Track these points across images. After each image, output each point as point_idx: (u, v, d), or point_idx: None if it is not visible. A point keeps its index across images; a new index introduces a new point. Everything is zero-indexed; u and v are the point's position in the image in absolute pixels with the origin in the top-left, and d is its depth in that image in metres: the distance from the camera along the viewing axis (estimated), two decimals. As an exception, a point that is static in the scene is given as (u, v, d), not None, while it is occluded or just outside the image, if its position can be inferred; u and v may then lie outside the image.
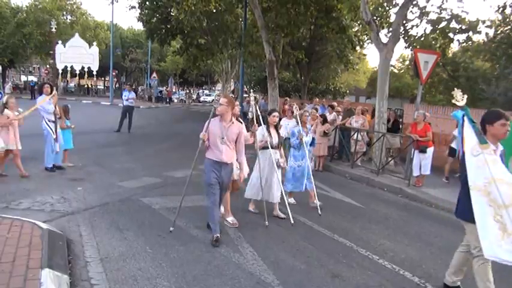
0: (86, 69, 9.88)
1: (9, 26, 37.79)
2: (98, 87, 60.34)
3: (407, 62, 35.01)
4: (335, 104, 13.34)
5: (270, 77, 16.64)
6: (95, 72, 9.89)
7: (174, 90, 51.28)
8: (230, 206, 5.72)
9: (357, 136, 10.39)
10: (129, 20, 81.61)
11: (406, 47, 11.71)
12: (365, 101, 36.20)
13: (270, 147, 5.82)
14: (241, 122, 5.45)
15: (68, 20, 40.65)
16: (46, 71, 46.23)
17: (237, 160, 5.14)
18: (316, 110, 11.06)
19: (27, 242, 4.07)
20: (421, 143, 8.56)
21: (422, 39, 10.61)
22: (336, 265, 4.43)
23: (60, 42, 8.64)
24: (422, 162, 8.64)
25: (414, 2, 10.21)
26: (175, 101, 45.23)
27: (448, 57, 19.65)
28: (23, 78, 58.42)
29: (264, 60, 17.87)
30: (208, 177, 4.84)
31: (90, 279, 3.74)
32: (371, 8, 11.13)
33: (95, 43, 8.73)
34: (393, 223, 6.29)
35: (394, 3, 11.07)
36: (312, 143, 7.11)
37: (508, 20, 16.86)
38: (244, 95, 22.25)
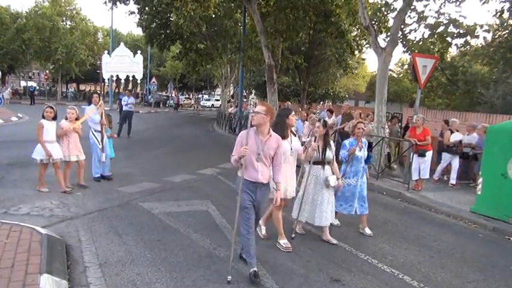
0: (130, 78, 9.96)
1: (9, 31, 37.89)
2: (98, 92, 60.52)
3: (406, 66, 35.10)
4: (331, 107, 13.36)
5: (269, 82, 16.69)
6: (139, 81, 9.99)
7: (173, 95, 51.33)
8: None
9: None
10: (129, 25, 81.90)
11: (404, 52, 11.75)
12: (364, 105, 36.28)
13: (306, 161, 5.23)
14: (294, 135, 5.01)
15: (68, 26, 40.73)
16: (46, 77, 46.27)
17: (273, 180, 4.34)
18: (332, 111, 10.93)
19: (26, 247, 4.06)
20: (420, 147, 8.57)
21: (420, 43, 10.66)
22: (335, 269, 4.42)
23: (106, 52, 8.72)
24: (421, 166, 8.66)
25: (412, 7, 10.25)
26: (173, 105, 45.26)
27: (446, 62, 19.73)
28: (23, 83, 58.46)
29: (263, 65, 17.94)
30: (243, 200, 4.16)
31: (89, 285, 3.73)
32: (369, 13, 11.18)
33: (139, 51, 8.80)
34: (392, 227, 6.29)
35: (392, 8, 11.11)
36: (368, 160, 6.21)
37: (505, 24, 16.93)
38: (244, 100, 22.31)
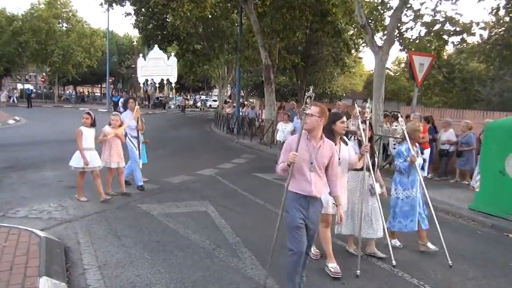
0: (165, 81, 9.79)
1: (5, 34, 37.76)
2: (96, 94, 60.50)
3: (402, 65, 35.19)
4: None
5: (266, 82, 16.69)
6: (173, 84, 9.84)
7: (171, 95, 51.23)
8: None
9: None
10: (125, 27, 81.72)
11: (401, 50, 11.81)
12: (361, 104, 36.32)
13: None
14: (345, 143, 4.47)
15: (64, 28, 40.64)
16: (42, 79, 46.15)
17: (330, 194, 3.81)
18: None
19: (24, 250, 4.05)
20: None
21: (417, 41, 10.68)
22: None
23: (141, 55, 8.60)
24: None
25: (408, 5, 10.28)
26: (172, 107, 45.14)
27: (443, 60, 19.77)
28: (19, 86, 58.32)
29: (260, 65, 17.94)
30: (293, 218, 3.56)
31: (89, 287, 3.72)
32: (366, 12, 11.19)
33: (172, 53, 8.69)
34: (391, 225, 6.28)
35: (388, 6, 11.14)
36: (423, 167, 5.57)
37: (501, 21, 16.97)
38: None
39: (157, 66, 7.29)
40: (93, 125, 6.52)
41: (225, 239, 5.11)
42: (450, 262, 4.62)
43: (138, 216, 5.88)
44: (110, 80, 40.10)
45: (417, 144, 5.21)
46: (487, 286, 4.27)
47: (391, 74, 35.97)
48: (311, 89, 3.49)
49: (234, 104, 22.66)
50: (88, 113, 6.57)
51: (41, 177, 7.93)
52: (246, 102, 27.74)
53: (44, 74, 44.53)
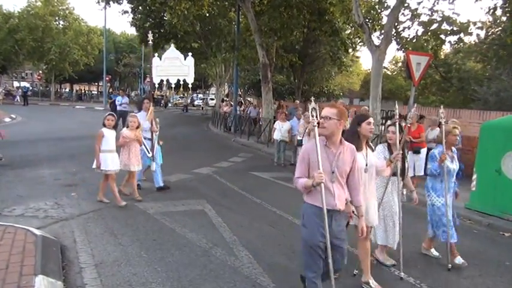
0: (181, 82, 9.74)
1: (1, 32, 37.59)
2: (93, 92, 60.35)
3: (400, 64, 35.27)
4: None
5: (263, 81, 16.68)
6: (190, 85, 9.74)
7: (168, 94, 51.12)
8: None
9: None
10: (122, 25, 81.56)
11: (398, 49, 11.78)
12: (359, 103, 36.39)
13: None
14: (371, 149, 4.04)
15: (61, 26, 40.49)
16: (39, 77, 46.00)
17: (351, 203, 3.40)
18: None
19: (20, 249, 4.03)
20: (415, 144, 8.60)
21: (414, 41, 10.69)
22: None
23: (156, 55, 8.46)
24: (416, 163, 8.69)
25: (406, 5, 10.29)
26: (170, 105, 45.09)
27: (440, 59, 19.82)
28: (16, 84, 58.10)
29: (257, 64, 17.91)
30: (312, 236, 3.16)
31: (85, 285, 3.71)
32: (363, 11, 11.21)
33: (190, 53, 8.60)
34: (388, 224, 6.30)
35: (385, 5, 11.15)
36: (459, 173, 4.92)
37: (498, 21, 17.03)
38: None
39: (174, 66, 7.15)
40: (115, 127, 6.36)
41: (221, 238, 5.11)
42: (450, 265, 4.57)
43: (135, 215, 5.86)
44: (107, 78, 39.96)
45: (454, 149, 4.84)
46: (483, 285, 4.29)
47: (388, 73, 36.04)
48: (312, 102, 3.24)
49: (231, 103, 22.65)
50: (111, 115, 6.40)
51: (37, 176, 7.90)
52: (242, 101, 27.69)
53: (40, 71, 44.36)
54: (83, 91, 56.96)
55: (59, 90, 53.23)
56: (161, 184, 7.37)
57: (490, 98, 17.27)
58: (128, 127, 6.55)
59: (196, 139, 16.93)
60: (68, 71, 40.29)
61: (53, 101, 40.12)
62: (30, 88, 45.95)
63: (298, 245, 4.99)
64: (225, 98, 28.05)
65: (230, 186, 8.22)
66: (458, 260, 4.65)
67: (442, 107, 4.73)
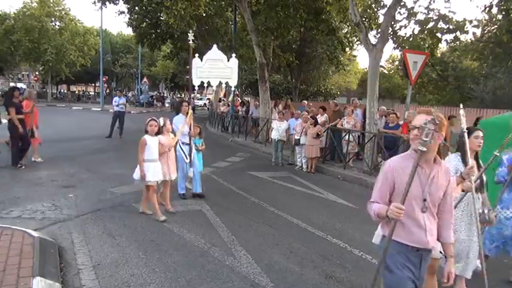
0: (224, 85, 9.48)
1: (-3, 33, 37.51)
2: (90, 93, 60.21)
3: (396, 63, 35.32)
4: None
5: (261, 80, 16.68)
6: (233, 88, 9.52)
7: (165, 94, 51.10)
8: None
9: (349, 137, 10.45)
10: (119, 25, 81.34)
11: (395, 48, 11.80)
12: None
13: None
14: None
15: (57, 27, 40.36)
16: (35, 78, 45.86)
17: (438, 239, 2.63)
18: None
19: (17, 251, 4.01)
20: (412, 143, 8.61)
21: (410, 39, 10.70)
22: (330, 266, 4.43)
23: (197, 55, 8.22)
24: (413, 162, 8.69)
25: (402, 3, 10.29)
26: (167, 105, 45.02)
27: (436, 58, 19.85)
28: (12, 85, 57.95)
29: (254, 63, 17.91)
30: (400, 281, 2.49)
31: (83, 287, 3.70)
32: (359, 10, 11.21)
33: (233, 55, 8.46)
34: (386, 223, 6.31)
35: (382, 4, 11.15)
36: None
37: (494, 19, 17.07)
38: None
39: (215, 68, 6.94)
40: (157, 133, 5.86)
41: (220, 238, 5.11)
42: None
43: (133, 216, 5.85)
44: (104, 79, 39.87)
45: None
46: (481, 284, 4.29)
47: (385, 72, 36.08)
48: (461, 107, 2.67)
49: (229, 103, 22.61)
50: (154, 120, 5.85)
51: (34, 177, 7.87)
52: (244, 101, 27.66)
53: (36, 72, 44.22)
54: (81, 92, 56.76)
55: (63, 91, 53.18)
56: (199, 191, 7.05)
57: (487, 96, 17.36)
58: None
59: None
60: (65, 72, 40.18)
61: (50, 102, 39.99)
62: (27, 89, 45.76)
63: (296, 245, 5.01)
64: (222, 98, 27.95)
65: (228, 186, 8.22)
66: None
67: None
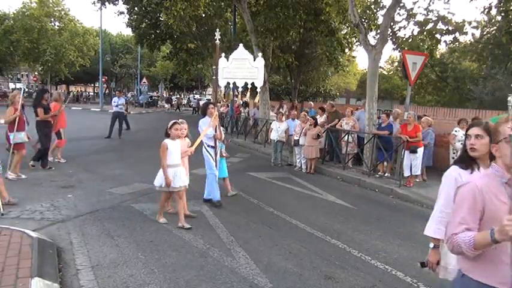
0: (249, 85, 9.09)
1: (-4, 33, 37.46)
2: (90, 93, 60.18)
3: (396, 64, 35.32)
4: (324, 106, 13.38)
5: (260, 81, 16.66)
6: (258, 89, 9.15)
7: (164, 95, 51.05)
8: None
9: (348, 138, 10.45)
10: (118, 26, 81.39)
11: (394, 49, 11.83)
12: (355, 102, 36.45)
13: None
14: None
15: (56, 27, 40.34)
16: (34, 78, 45.83)
17: None
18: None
19: (16, 251, 4.01)
20: (411, 144, 8.63)
21: (410, 40, 10.72)
22: (329, 267, 4.43)
23: (223, 55, 7.98)
24: (412, 163, 8.72)
25: (401, 4, 10.32)
26: (166, 106, 44.94)
27: (436, 58, 19.88)
28: (11, 85, 57.86)
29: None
30: None
31: (81, 287, 3.69)
32: (359, 11, 11.23)
33: (260, 54, 8.24)
34: (385, 224, 6.32)
35: (381, 5, 11.18)
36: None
37: (493, 20, 17.09)
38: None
39: (241, 68, 6.64)
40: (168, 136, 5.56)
41: (218, 238, 5.10)
42: None
43: (132, 216, 5.85)
44: (103, 79, 39.87)
45: None
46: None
47: (385, 72, 36.09)
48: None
49: (228, 103, 22.62)
50: (178, 123, 5.58)
51: (33, 177, 7.86)
52: (247, 102, 27.66)
53: (36, 73, 44.18)
54: (80, 92, 56.72)
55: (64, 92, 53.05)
56: (210, 197, 6.70)
57: (486, 97, 17.38)
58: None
59: (193, 139, 16.87)
60: (64, 72, 40.17)
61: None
62: (26, 89, 45.71)
63: (295, 245, 5.01)
64: (221, 99, 27.95)
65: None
66: None
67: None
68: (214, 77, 8.43)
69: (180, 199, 5.56)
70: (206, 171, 6.77)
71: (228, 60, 7.07)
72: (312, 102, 16.21)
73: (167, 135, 5.49)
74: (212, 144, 6.64)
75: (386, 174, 9.59)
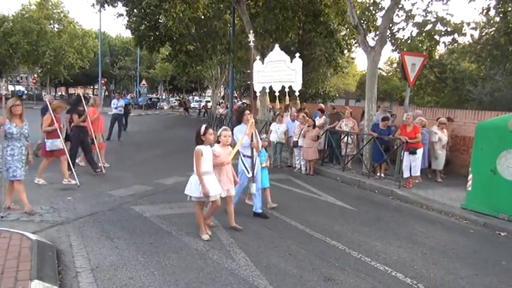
0: (286, 89, 8.72)
1: (-4, 35, 37.51)
2: (89, 95, 60.17)
3: (395, 65, 35.38)
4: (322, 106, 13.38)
5: (259, 82, 16.66)
6: (297, 93, 8.68)
7: (164, 96, 51.10)
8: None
9: (347, 139, 10.45)
10: (117, 28, 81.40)
11: (393, 50, 11.92)
12: (354, 104, 36.47)
13: None
14: None
15: (55, 29, 40.38)
16: (34, 81, 45.85)
17: None
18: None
19: (15, 254, 4.00)
20: (411, 145, 8.63)
21: (409, 42, 10.73)
22: (329, 268, 4.43)
23: (258, 58, 7.75)
24: (412, 164, 8.71)
25: (400, 6, 10.33)
26: (165, 107, 44.98)
27: (434, 60, 19.89)
28: (11, 88, 57.86)
29: (253, 66, 17.88)
30: None
31: (81, 290, 3.69)
32: (358, 12, 11.24)
33: (297, 55, 8.15)
34: (385, 225, 6.32)
35: (380, 6, 11.19)
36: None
37: (492, 21, 17.12)
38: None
39: (278, 71, 6.32)
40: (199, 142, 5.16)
41: (218, 240, 5.10)
42: None
43: (131, 218, 5.84)
44: (102, 81, 39.88)
45: None
46: (480, 284, 4.30)
47: (384, 74, 36.10)
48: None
49: (227, 105, 22.66)
50: (210, 127, 5.24)
51: (32, 179, 7.84)
52: (236, 103, 27.69)
53: (35, 75, 44.20)
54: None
55: (63, 94, 53.13)
56: (259, 210, 6.27)
57: (485, 98, 17.38)
58: (218, 142, 5.41)
59: (193, 141, 16.85)
60: (63, 74, 40.22)
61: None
62: (25, 92, 45.73)
63: (295, 247, 5.00)
64: (220, 100, 28.03)
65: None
66: None
67: None
68: (249, 82, 8.02)
69: (217, 207, 5.21)
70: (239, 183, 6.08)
71: (263, 63, 6.71)
72: (322, 104, 16.16)
73: (200, 142, 5.10)
74: (249, 154, 6.09)
75: (382, 175, 9.58)
